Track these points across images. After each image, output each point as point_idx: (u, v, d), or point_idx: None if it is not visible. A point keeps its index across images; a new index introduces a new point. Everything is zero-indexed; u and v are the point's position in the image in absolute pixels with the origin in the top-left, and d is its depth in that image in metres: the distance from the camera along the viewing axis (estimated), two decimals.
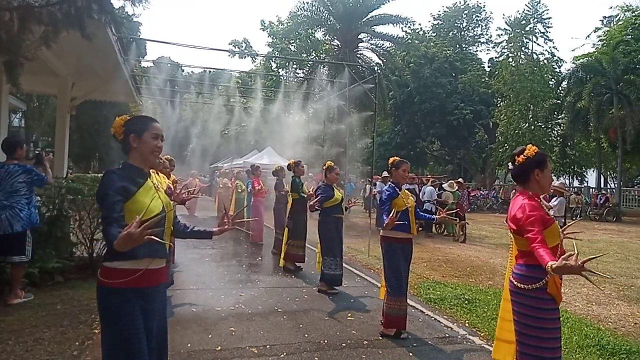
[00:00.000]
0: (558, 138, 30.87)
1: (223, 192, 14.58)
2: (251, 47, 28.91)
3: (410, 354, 4.05)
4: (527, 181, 2.73)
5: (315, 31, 26.29)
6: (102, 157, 24.16)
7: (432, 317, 5.22)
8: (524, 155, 2.70)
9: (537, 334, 2.53)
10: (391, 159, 4.83)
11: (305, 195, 7.27)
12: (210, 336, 4.21)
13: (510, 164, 2.83)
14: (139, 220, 1.82)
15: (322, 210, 6.14)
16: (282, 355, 3.86)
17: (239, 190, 11.70)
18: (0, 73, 5.03)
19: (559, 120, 30.88)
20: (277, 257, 8.37)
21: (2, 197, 4.74)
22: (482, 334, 4.69)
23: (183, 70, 32.78)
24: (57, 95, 9.64)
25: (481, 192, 28.35)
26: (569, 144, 30.84)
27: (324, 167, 6.46)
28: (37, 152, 5.88)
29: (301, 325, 4.67)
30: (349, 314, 5.15)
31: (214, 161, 28.15)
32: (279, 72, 27.51)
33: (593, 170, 33.02)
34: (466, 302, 5.76)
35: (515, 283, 2.62)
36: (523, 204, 2.60)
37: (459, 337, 4.60)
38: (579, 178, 34.50)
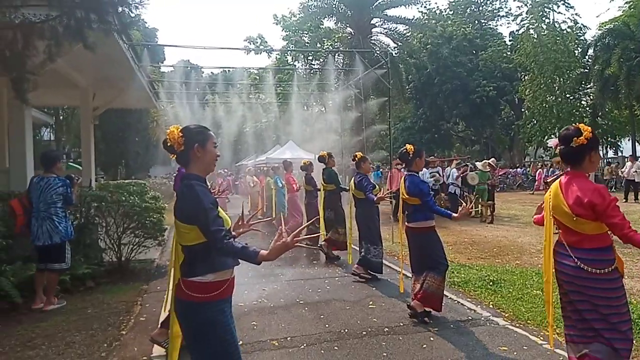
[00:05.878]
0: (587, 109, 29.64)
1: (250, 190, 14.73)
2: (266, 42, 29.00)
3: (431, 339, 4.02)
4: (582, 162, 2.67)
5: (327, 20, 26.13)
6: (128, 163, 24.87)
7: (455, 300, 5.16)
8: (585, 137, 2.62)
9: (617, 311, 2.60)
10: (409, 147, 4.65)
11: (343, 186, 7.50)
12: None
13: (561, 144, 2.72)
14: (284, 231, 2.00)
15: (363, 200, 6.16)
16: (302, 347, 3.91)
17: (271, 187, 11.82)
18: None
19: (588, 90, 29.65)
20: (301, 249, 8.43)
21: (43, 208, 5.02)
22: (506, 315, 4.60)
23: (203, 72, 33.23)
24: (80, 106, 9.97)
25: (511, 170, 27.68)
26: (600, 113, 29.52)
27: (357, 158, 6.34)
28: (72, 175, 6.19)
29: (322, 316, 4.71)
30: (371, 302, 5.15)
31: (238, 160, 28.49)
32: (294, 66, 27.51)
33: (628, 139, 31.60)
34: (491, 283, 5.68)
35: (587, 269, 2.58)
36: (596, 187, 2.57)
37: (482, 318, 4.53)
38: (614, 148, 33.15)
